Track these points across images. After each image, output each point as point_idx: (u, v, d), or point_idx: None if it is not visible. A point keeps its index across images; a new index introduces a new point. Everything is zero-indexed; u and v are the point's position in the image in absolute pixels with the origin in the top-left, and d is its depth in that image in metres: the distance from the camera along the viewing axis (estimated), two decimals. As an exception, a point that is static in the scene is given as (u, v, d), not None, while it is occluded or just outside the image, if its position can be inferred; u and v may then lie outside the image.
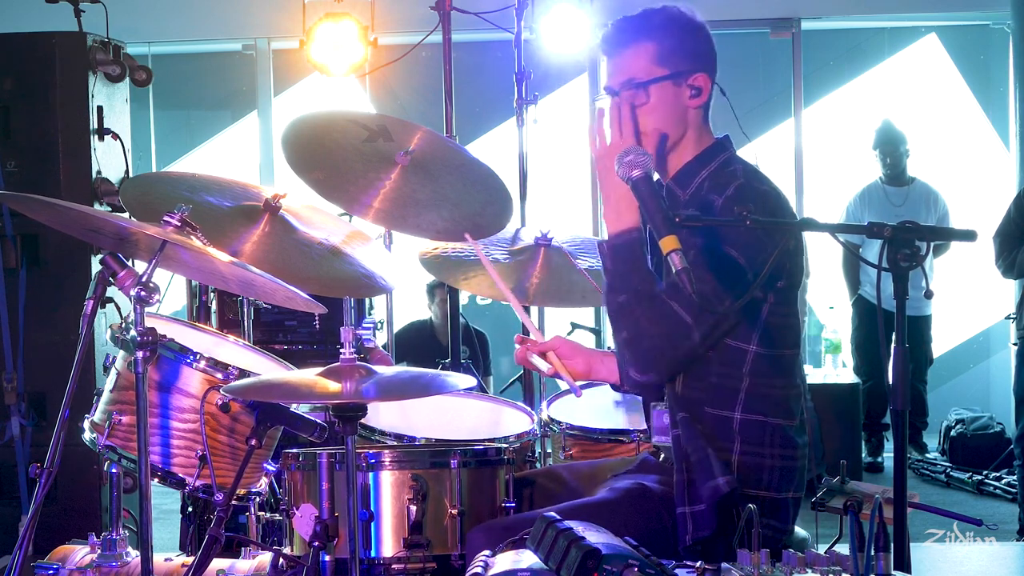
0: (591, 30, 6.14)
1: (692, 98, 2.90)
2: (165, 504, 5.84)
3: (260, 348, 3.78)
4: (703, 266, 2.73)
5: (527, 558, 2.39)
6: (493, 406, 3.99)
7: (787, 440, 2.86)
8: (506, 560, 2.44)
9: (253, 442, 3.00)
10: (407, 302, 7.79)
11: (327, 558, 2.81)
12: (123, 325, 3.20)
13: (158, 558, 3.18)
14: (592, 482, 3.17)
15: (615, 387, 3.18)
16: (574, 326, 6.49)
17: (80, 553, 3.26)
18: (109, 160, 5.28)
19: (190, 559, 3.13)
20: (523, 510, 3.13)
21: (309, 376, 2.89)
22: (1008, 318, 6.74)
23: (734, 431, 2.83)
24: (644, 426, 3.25)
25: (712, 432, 2.82)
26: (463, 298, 5.36)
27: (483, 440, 3.50)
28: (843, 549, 2.30)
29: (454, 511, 3.00)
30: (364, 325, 2.96)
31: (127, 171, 5.34)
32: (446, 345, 6.81)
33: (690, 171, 2.91)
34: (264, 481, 3.31)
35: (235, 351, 3.61)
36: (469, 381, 3.02)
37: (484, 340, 7.46)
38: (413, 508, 2.96)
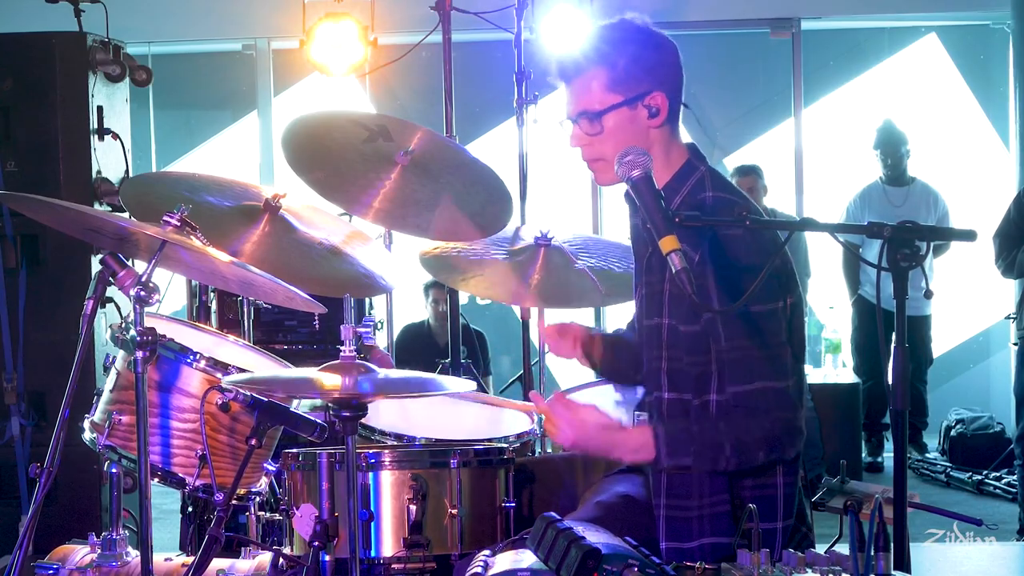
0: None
1: (651, 118, 2.81)
2: (165, 504, 5.83)
3: (260, 348, 3.78)
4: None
5: (527, 558, 2.39)
6: (493, 406, 3.98)
7: (794, 467, 2.84)
8: (506, 560, 2.44)
9: (253, 442, 2.99)
10: (407, 303, 7.79)
11: (327, 558, 2.81)
12: (123, 325, 3.20)
13: (158, 558, 3.18)
14: (587, 476, 3.18)
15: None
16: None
17: (80, 553, 3.26)
18: (109, 160, 5.27)
19: (190, 559, 3.13)
20: (523, 510, 3.13)
21: (308, 373, 2.89)
22: (1008, 318, 6.74)
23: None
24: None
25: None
26: (463, 298, 5.36)
27: (483, 440, 3.50)
28: (843, 549, 2.30)
29: (454, 511, 3.00)
30: (364, 323, 2.96)
31: (127, 171, 5.34)
32: (443, 346, 6.82)
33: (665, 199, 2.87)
34: (264, 481, 3.31)
35: (235, 351, 3.61)
36: (468, 385, 3.02)
37: (483, 340, 7.46)
38: (413, 508, 2.96)
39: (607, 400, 3.90)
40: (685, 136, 2.93)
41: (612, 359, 3.18)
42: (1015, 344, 6.23)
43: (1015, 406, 6.26)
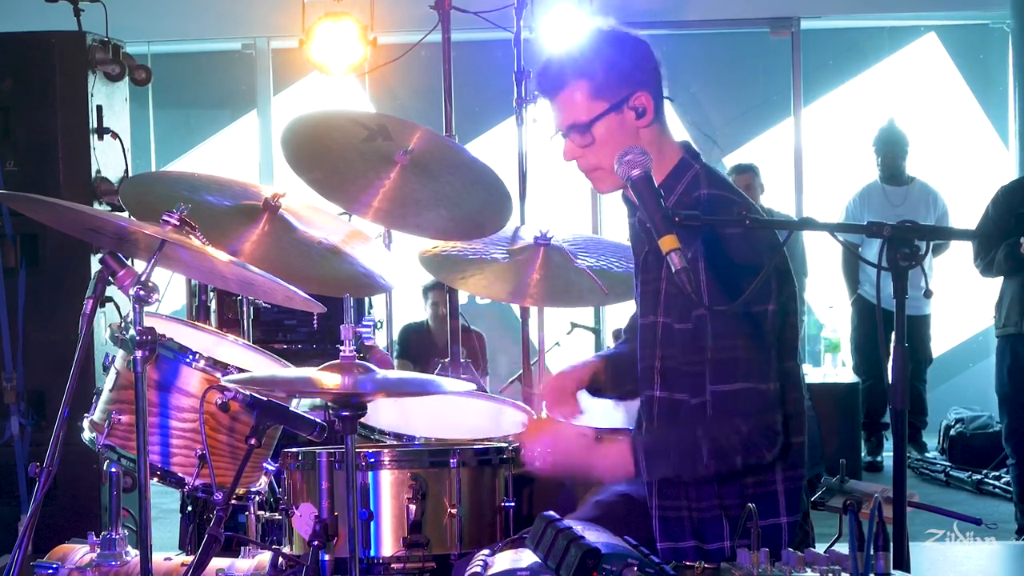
0: (590, 29, 6.14)
1: (639, 119, 2.80)
2: (165, 503, 5.83)
3: (260, 348, 3.77)
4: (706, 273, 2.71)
5: (527, 557, 2.39)
6: (493, 405, 3.98)
7: (796, 462, 2.84)
8: (505, 559, 2.44)
9: (252, 441, 2.99)
10: (407, 303, 7.80)
11: (326, 557, 2.81)
12: (122, 324, 3.20)
13: (158, 557, 3.17)
14: (586, 480, 3.17)
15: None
16: (574, 326, 6.49)
17: (79, 552, 3.26)
18: (108, 159, 5.27)
19: (190, 558, 3.13)
20: (523, 509, 3.13)
21: (308, 373, 2.89)
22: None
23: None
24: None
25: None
26: (462, 298, 5.35)
27: (482, 440, 3.50)
28: (842, 548, 2.30)
29: (453, 511, 3.00)
30: (364, 323, 2.95)
31: (126, 170, 5.34)
32: (443, 346, 6.81)
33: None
34: (263, 480, 3.31)
35: (235, 350, 3.61)
36: (469, 387, 3.03)
37: (482, 341, 7.46)
38: (412, 507, 2.96)
39: (605, 400, 3.90)
40: (677, 134, 2.93)
41: (618, 382, 3.15)
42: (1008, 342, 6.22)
43: (998, 405, 6.26)
